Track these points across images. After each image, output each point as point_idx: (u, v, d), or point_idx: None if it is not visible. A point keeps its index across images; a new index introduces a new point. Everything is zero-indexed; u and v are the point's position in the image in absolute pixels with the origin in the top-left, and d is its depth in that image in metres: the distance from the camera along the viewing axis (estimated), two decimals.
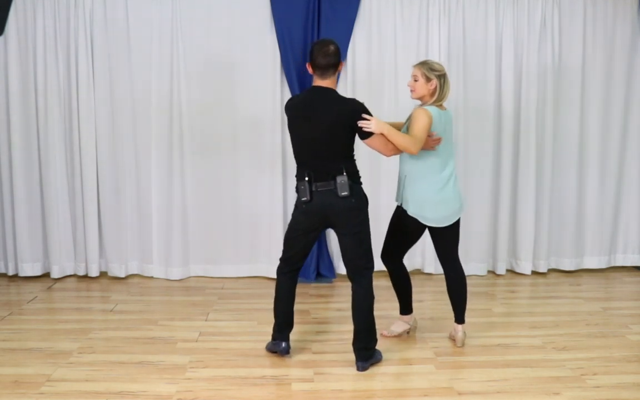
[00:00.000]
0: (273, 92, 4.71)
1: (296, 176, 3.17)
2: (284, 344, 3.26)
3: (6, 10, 4.55)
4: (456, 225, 3.42)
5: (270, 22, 4.66)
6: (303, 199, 3.09)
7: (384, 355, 3.28)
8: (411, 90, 3.33)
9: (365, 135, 3.09)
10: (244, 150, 4.78)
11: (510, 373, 3.12)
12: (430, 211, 3.29)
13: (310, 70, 3.10)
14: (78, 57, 4.60)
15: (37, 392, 2.86)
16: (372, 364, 3.18)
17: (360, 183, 3.18)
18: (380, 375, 3.09)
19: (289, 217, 4.87)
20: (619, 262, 5.26)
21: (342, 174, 3.04)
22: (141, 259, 4.87)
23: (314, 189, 3.06)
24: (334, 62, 3.03)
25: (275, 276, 4.66)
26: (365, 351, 3.14)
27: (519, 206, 5.01)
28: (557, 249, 5.13)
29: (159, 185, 4.75)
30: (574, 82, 4.92)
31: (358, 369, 3.12)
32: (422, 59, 4.77)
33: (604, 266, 5.19)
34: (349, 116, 3.05)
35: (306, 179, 3.07)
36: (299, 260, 3.28)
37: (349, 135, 3.09)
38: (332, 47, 3.03)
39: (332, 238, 4.95)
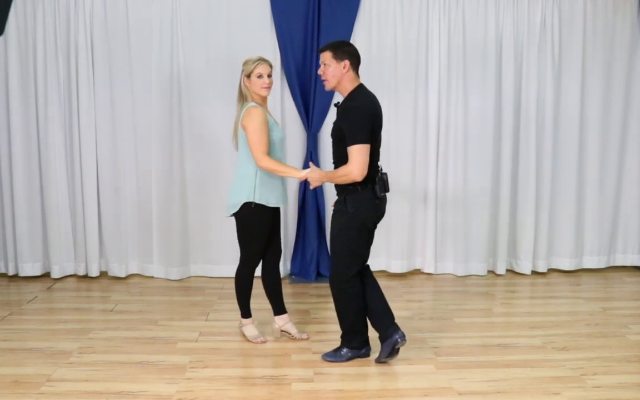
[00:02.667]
0: (273, 92, 4.68)
1: (366, 183, 3.04)
2: (399, 333, 3.14)
3: (6, 11, 4.55)
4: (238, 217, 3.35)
5: (270, 22, 4.66)
6: (382, 193, 3.10)
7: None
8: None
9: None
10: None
11: (510, 373, 3.12)
12: None
13: (347, 69, 3.10)
14: (78, 57, 4.60)
15: (37, 392, 2.87)
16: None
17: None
18: (380, 375, 3.09)
19: (289, 217, 4.93)
20: (619, 262, 5.27)
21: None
22: (141, 259, 4.87)
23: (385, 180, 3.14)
24: None
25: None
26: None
27: (518, 206, 5.01)
28: (557, 249, 5.13)
29: (159, 185, 4.75)
30: (574, 82, 4.92)
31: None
32: (422, 59, 4.81)
33: (603, 266, 5.20)
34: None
35: (380, 173, 3.12)
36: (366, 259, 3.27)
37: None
38: None
39: None
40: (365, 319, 3.26)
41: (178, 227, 4.77)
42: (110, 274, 4.83)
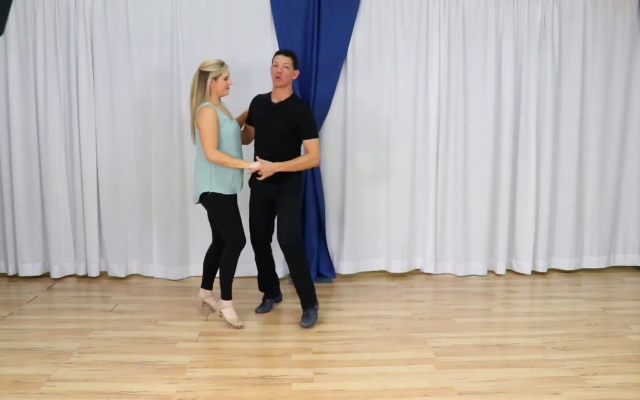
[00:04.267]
0: None
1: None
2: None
3: (6, 11, 4.55)
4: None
5: (270, 22, 4.67)
6: None
7: (386, 355, 3.28)
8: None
9: None
10: (244, 150, 4.76)
11: (510, 373, 3.12)
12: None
13: (297, 76, 3.83)
14: (78, 57, 4.60)
15: (37, 392, 2.87)
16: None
17: None
18: (380, 375, 3.09)
19: None
20: (619, 262, 5.27)
21: None
22: (141, 259, 4.87)
23: None
24: None
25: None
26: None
27: (518, 206, 5.01)
28: (557, 249, 5.13)
29: (158, 185, 4.75)
30: (574, 82, 4.92)
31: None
32: (422, 59, 4.81)
33: (603, 266, 5.20)
34: None
35: None
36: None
37: None
38: None
39: (332, 238, 4.95)
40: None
41: (178, 227, 4.77)
42: (110, 274, 4.83)
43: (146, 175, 4.77)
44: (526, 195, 4.96)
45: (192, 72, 4.64)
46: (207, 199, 3.68)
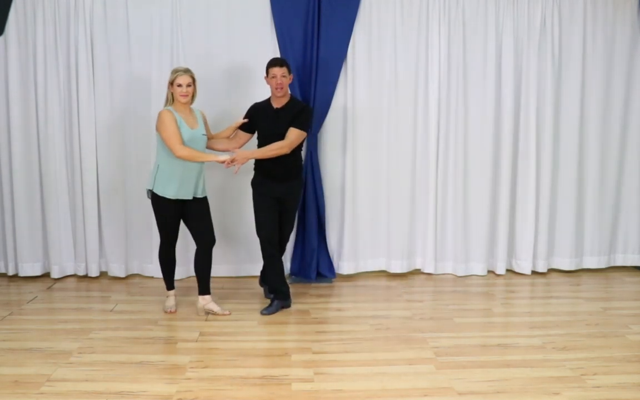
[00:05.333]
0: None
1: (301, 163, 4.15)
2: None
3: (6, 11, 4.55)
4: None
5: (270, 22, 4.66)
6: None
7: (386, 355, 3.28)
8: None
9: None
10: (244, 150, 4.77)
11: (510, 373, 3.12)
12: None
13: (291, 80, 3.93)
14: (78, 57, 4.60)
15: (37, 392, 2.87)
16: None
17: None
18: (380, 375, 3.09)
19: None
20: (619, 262, 5.27)
21: None
22: (141, 259, 4.87)
23: None
24: None
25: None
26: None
27: (518, 206, 5.01)
28: (557, 249, 5.13)
29: None
30: (574, 82, 4.92)
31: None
32: (422, 58, 4.81)
33: (603, 266, 5.20)
34: None
35: None
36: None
37: None
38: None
39: (332, 238, 4.95)
40: None
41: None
42: (110, 274, 4.83)
43: (146, 176, 4.75)
44: (526, 195, 4.96)
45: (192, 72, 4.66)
46: (150, 197, 3.88)
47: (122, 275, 4.82)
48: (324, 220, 4.83)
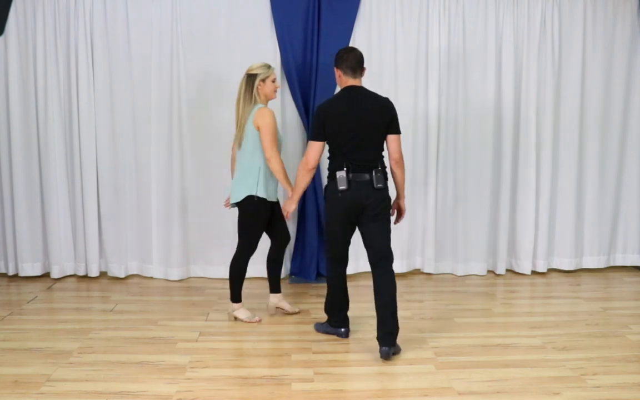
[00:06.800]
0: None
1: (330, 168, 3.34)
2: (344, 330, 3.59)
3: (6, 11, 4.55)
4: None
5: (270, 22, 4.66)
6: (341, 187, 3.25)
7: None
8: None
9: (397, 130, 3.39)
10: None
11: (510, 373, 3.12)
12: None
13: (338, 74, 3.44)
14: (78, 57, 4.60)
15: (37, 392, 2.87)
16: (395, 355, 3.28)
17: (387, 178, 3.37)
18: (380, 375, 3.09)
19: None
20: (619, 262, 5.27)
21: (378, 167, 3.30)
22: (141, 259, 4.87)
23: (350, 178, 3.24)
24: (362, 63, 3.44)
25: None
26: (392, 336, 3.25)
27: (518, 206, 5.01)
28: (557, 249, 5.13)
29: (158, 186, 4.75)
30: (574, 82, 4.92)
31: (382, 356, 3.22)
32: (422, 59, 4.81)
33: (603, 266, 5.20)
34: (386, 110, 3.36)
35: (344, 169, 3.25)
36: (345, 255, 3.50)
37: (384, 128, 3.33)
38: (358, 52, 3.45)
39: None
40: (340, 300, 3.58)
41: (177, 228, 4.77)
42: (110, 274, 4.83)
43: (146, 176, 4.77)
44: (526, 195, 4.96)
45: (192, 72, 4.67)
46: (248, 203, 3.63)
47: (122, 275, 4.82)
48: (324, 221, 4.82)
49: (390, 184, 3.40)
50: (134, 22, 4.62)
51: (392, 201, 3.43)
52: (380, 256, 3.31)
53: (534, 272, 5.08)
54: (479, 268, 5.00)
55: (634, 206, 5.18)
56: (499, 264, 5.03)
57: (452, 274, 5.02)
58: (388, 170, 3.38)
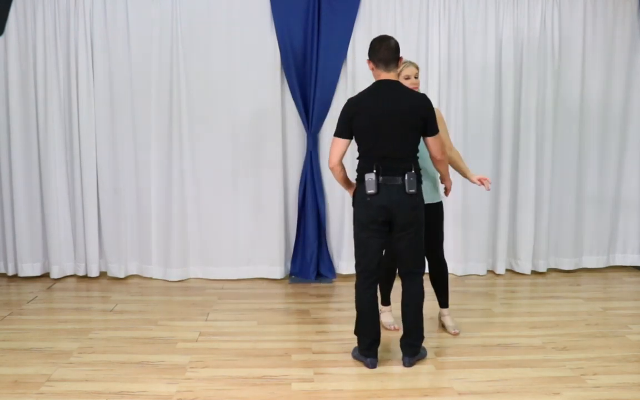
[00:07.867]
0: (273, 92, 4.70)
1: (358, 170, 3.08)
2: (370, 360, 3.16)
3: (6, 11, 4.55)
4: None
5: (270, 22, 4.66)
6: (370, 191, 2.97)
7: (385, 355, 3.28)
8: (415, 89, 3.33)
9: (434, 130, 3.03)
10: (244, 150, 4.78)
11: (510, 373, 3.12)
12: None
13: (371, 66, 3.15)
14: (78, 57, 4.60)
15: (37, 392, 2.86)
16: (418, 361, 3.24)
17: (422, 182, 3.12)
18: (380, 375, 3.09)
19: (289, 218, 4.92)
20: (618, 262, 5.27)
21: (411, 170, 2.99)
22: (140, 259, 4.87)
23: (380, 181, 2.98)
24: (397, 55, 3.11)
25: (275, 277, 4.71)
26: (414, 347, 3.20)
27: (518, 206, 5.01)
28: (556, 249, 5.13)
29: (158, 186, 4.75)
30: (574, 82, 4.92)
31: (404, 364, 3.18)
32: (422, 59, 4.81)
33: (603, 266, 5.20)
34: (421, 108, 3.01)
35: (374, 171, 2.98)
36: (375, 267, 3.12)
37: (419, 127, 3.01)
38: (393, 41, 3.12)
39: (332, 238, 4.95)
40: (368, 325, 3.17)
41: (177, 229, 4.77)
42: (109, 274, 4.83)
43: (146, 175, 4.77)
44: (526, 195, 4.96)
45: (192, 71, 4.67)
46: (437, 209, 3.44)
47: (122, 275, 4.82)
48: (324, 220, 4.83)
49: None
50: (134, 22, 4.61)
51: (423, 212, 3.12)
52: (409, 270, 3.15)
53: (533, 272, 5.08)
54: (478, 268, 5.00)
55: (634, 206, 5.18)
56: (498, 264, 5.03)
57: (452, 273, 5.00)
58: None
